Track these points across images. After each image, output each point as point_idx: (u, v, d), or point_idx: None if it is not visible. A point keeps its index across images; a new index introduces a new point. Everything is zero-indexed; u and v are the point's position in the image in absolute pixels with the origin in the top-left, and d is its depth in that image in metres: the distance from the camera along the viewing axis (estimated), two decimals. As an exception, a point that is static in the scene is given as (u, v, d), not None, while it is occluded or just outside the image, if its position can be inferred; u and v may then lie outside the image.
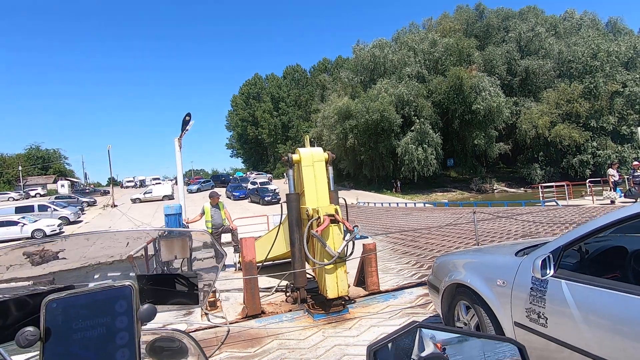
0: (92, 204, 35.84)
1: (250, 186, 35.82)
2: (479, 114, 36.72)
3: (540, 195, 20.67)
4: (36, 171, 61.07)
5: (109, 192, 41.19)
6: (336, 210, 4.39)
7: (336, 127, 40.47)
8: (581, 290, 2.03)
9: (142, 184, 57.39)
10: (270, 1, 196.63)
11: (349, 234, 4.39)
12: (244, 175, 54.47)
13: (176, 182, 40.82)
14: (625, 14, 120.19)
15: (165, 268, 6.28)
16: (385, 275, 6.21)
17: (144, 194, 37.35)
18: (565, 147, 36.63)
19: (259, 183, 36.26)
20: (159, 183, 49.17)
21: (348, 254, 4.46)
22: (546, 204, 17.40)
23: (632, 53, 38.58)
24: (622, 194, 15.69)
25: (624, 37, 42.80)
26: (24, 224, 20.92)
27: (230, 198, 34.17)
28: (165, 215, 6.58)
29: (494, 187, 40.32)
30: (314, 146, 5.34)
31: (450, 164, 43.84)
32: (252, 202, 31.53)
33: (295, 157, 4.77)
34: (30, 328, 0.63)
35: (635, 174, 14.73)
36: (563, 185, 19.74)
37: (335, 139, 40.60)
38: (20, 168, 53.72)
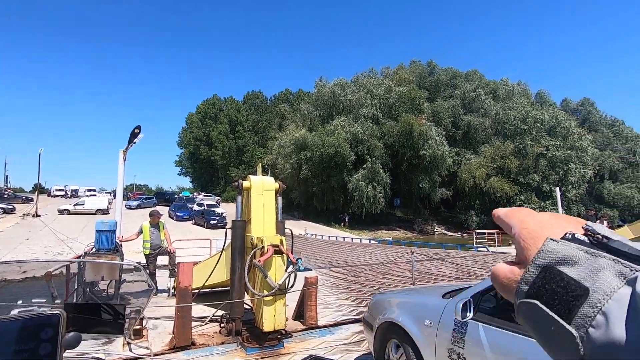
0: (9, 211, 31.74)
1: (196, 207, 34.22)
2: (425, 160, 39.33)
3: (474, 240, 22.24)
4: (-55, 168, 53.38)
5: (32, 200, 36.96)
6: (281, 241, 4.40)
7: (291, 156, 40.90)
8: (494, 333, 2.23)
9: (74, 194, 52.38)
10: (239, 30, 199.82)
11: (291, 266, 4.40)
12: (191, 195, 52.09)
13: (114, 195, 37.97)
14: (551, 88, 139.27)
15: (88, 289, 5.74)
16: (325, 309, 6.20)
17: (74, 205, 34.00)
18: (497, 197, 40.14)
19: (206, 205, 34.84)
20: (94, 195, 45.25)
21: (289, 286, 4.44)
22: (478, 249, 18.72)
23: (554, 122, 44.38)
24: (542, 246, 17.39)
25: (548, 107, 49.23)
26: None
27: (172, 218, 32.32)
28: (97, 231, 6.03)
29: (435, 230, 42.58)
30: (267, 173, 5.39)
31: (397, 203, 45.79)
32: (196, 224, 30.07)
33: (245, 183, 4.76)
34: None
35: (553, 228, 16.49)
36: (494, 233, 21.49)
37: (290, 168, 40.87)
38: None
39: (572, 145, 42.62)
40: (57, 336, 0.69)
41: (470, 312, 2.37)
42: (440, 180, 41.91)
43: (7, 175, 63.24)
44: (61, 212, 32.52)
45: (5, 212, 30.99)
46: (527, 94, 54.04)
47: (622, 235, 0.30)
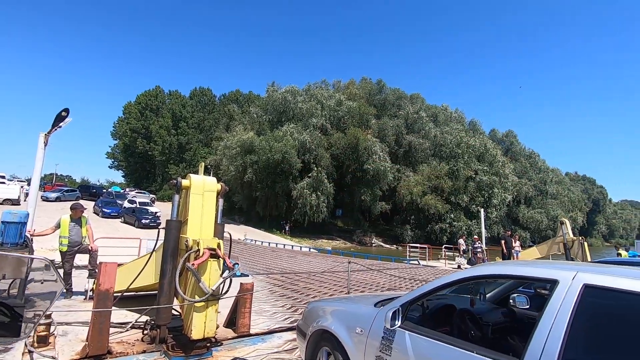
0: None
1: (127, 204, 31.62)
2: (368, 174, 40.86)
3: (408, 253, 23.46)
4: None
5: None
6: (218, 245, 4.23)
7: (237, 159, 39.93)
8: (419, 341, 2.35)
9: (-23, 179, 45.35)
10: (191, 21, 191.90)
11: (227, 271, 4.24)
12: (122, 191, 48.09)
13: (29, 184, 33.61)
14: (481, 118, 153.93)
15: (-16, 290, 4.98)
16: (259, 317, 6.08)
17: (-25, 192, 29.46)
18: (431, 214, 42.96)
19: (138, 202, 32.37)
20: (2, 182, 39.62)
21: (223, 292, 4.27)
22: (410, 262, 19.78)
23: (483, 149, 48.99)
24: (466, 261, 18.93)
25: (478, 135, 54.29)
26: None
27: (98, 214, 29.51)
28: (3, 222, 5.29)
29: (373, 241, 44.17)
30: (210, 174, 5.18)
31: (339, 214, 46.79)
32: (125, 222, 27.77)
33: (185, 182, 4.52)
34: None
35: (475, 245, 18.08)
36: (425, 247, 22.87)
37: (234, 170, 39.82)
38: None
39: (496, 172, 47.30)
40: None
41: (398, 320, 2.48)
42: (381, 194, 43.72)
43: None
44: (-43, 199, 28.02)
45: None
46: (462, 121, 59.07)
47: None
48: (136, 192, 45.16)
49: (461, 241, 20.98)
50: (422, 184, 43.64)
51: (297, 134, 40.52)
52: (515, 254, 15.96)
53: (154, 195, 48.80)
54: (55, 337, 4.37)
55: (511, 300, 3.24)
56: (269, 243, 28.41)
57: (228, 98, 67.85)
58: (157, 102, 66.79)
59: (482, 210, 22.70)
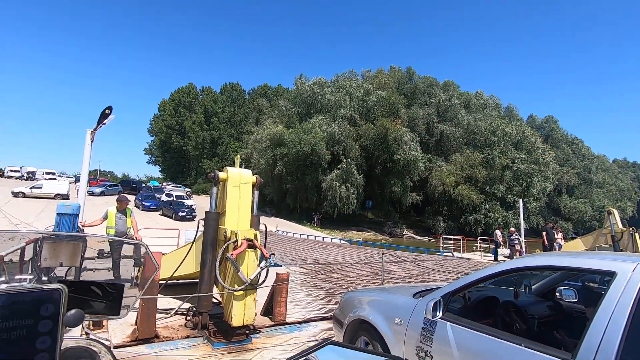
0: (-44, 190, 29.44)
1: (164, 198, 33.10)
2: (399, 164, 40.12)
3: (441, 245, 22.96)
4: None
5: (-17, 179, 34.39)
6: (255, 236, 4.35)
7: (267, 152, 40.53)
8: (461, 332, 2.31)
9: (31, 176, 49.13)
10: (215, 18, 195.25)
11: (264, 261, 4.35)
12: (160, 185, 50.36)
13: (76, 180, 35.97)
14: (518, 103, 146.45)
15: (44, 276, 5.41)
16: (294, 306, 6.20)
17: (30, 188, 31.92)
18: (464, 205, 41.62)
19: (175, 196, 33.78)
20: (54, 179, 42.67)
21: (260, 281, 4.39)
22: (444, 254, 19.36)
23: (521, 137, 46.58)
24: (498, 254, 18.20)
25: (516, 122, 51.63)
26: None
27: (138, 207, 31.09)
28: (58, 214, 5.69)
29: (404, 233, 43.55)
30: (241, 167, 5.29)
31: (369, 205, 46.42)
32: (163, 215, 29.11)
33: (222, 175, 4.66)
34: None
35: (512, 237, 17.39)
36: (459, 239, 22.26)
37: (264, 164, 40.48)
38: None
39: (536, 160, 44.87)
40: (59, 313, 0.65)
41: (439, 311, 2.44)
42: (412, 185, 42.85)
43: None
44: (15, 194, 30.49)
45: (-48, 190, 28.69)
46: (498, 107, 56.43)
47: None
48: (172, 186, 47.13)
49: (498, 232, 20.18)
50: (455, 174, 42.27)
51: (325, 125, 40.42)
52: (557, 247, 15.17)
53: (189, 189, 50.69)
54: (108, 321, 4.69)
55: (558, 293, 3.10)
56: (300, 235, 28.78)
57: (257, 92, 68.77)
58: (189, 98, 68.88)
59: (520, 200, 21.70)
